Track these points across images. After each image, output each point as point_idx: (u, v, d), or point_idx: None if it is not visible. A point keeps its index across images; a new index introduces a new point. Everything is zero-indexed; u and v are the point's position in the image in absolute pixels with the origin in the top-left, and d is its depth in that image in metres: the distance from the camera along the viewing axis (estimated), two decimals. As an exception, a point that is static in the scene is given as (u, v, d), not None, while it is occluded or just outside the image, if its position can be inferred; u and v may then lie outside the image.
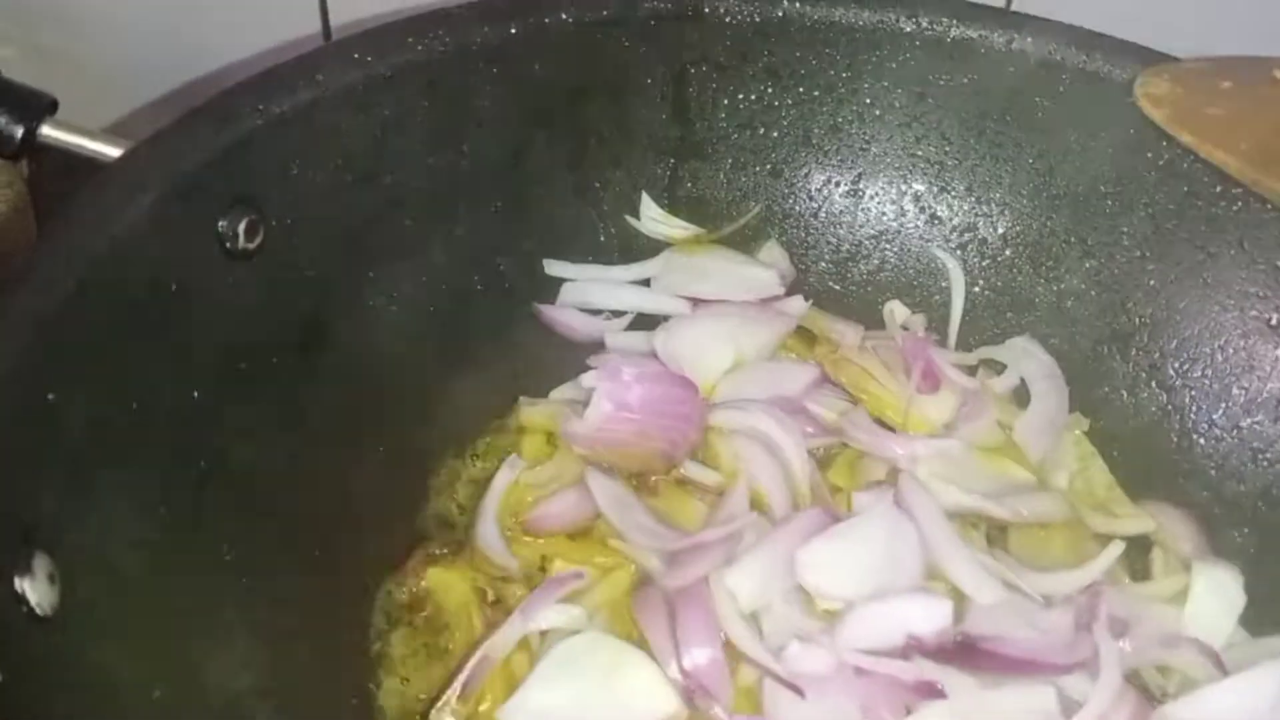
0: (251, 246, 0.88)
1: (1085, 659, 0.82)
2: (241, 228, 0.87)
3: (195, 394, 0.84)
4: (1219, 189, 0.99)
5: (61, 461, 0.72)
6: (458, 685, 0.84)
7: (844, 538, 0.87)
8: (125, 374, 0.79)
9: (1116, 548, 0.90)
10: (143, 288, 0.81)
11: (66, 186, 0.82)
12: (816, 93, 1.11)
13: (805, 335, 1.11)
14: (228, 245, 0.87)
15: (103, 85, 1.03)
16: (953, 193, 1.13)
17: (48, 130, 0.85)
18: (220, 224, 0.86)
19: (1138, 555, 0.96)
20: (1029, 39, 1.04)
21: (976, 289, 1.12)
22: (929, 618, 0.82)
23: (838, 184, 1.15)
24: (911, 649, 0.82)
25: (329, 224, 0.94)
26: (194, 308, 0.85)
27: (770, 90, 1.11)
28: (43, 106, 0.85)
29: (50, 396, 0.72)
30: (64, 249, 0.76)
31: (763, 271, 1.12)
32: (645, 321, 1.09)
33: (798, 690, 0.80)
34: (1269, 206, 0.97)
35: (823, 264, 1.17)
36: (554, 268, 1.10)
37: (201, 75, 1.05)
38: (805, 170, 1.16)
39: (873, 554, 0.86)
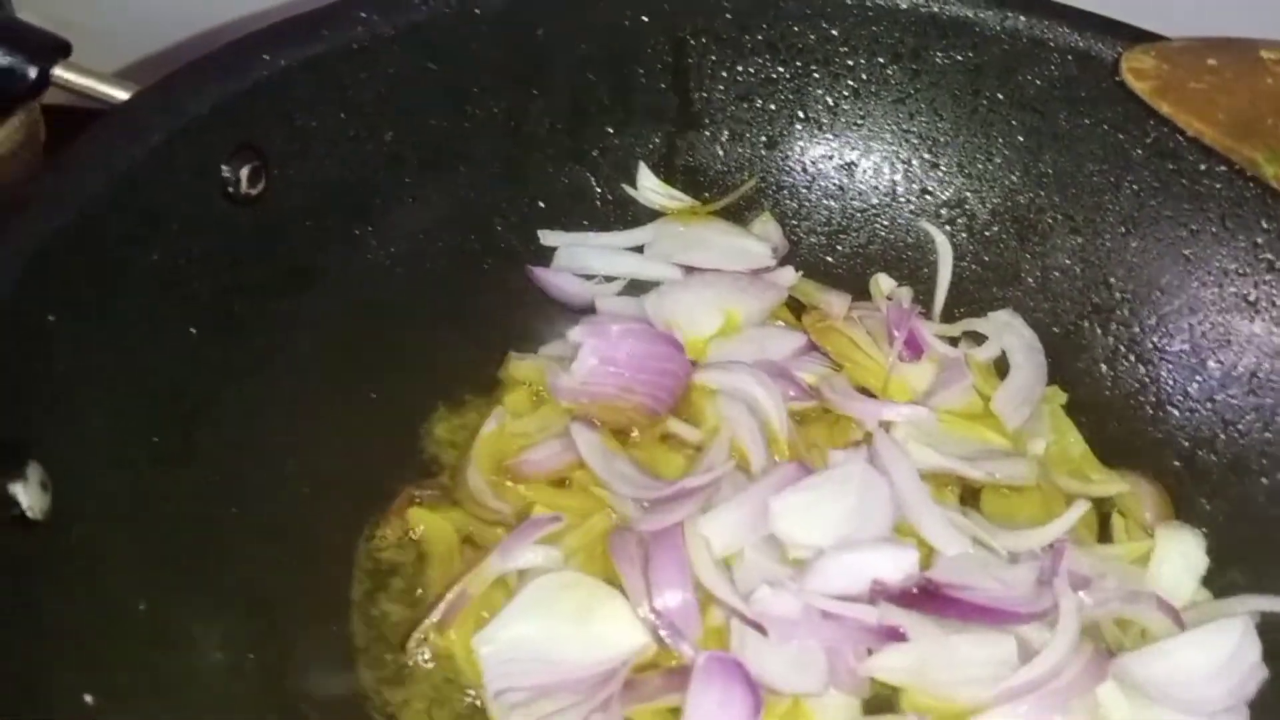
0: (254, 193, 0.92)
1: (1045, 610, 0.84)
2: (244, 174, 0.91)
3: (192, 330, 0.88)
4: (1203, 167, 1.01)
5: (56, 381, 0.75)
6: (434, 617, 0.87)
7: (817, 489, 0.89)
8: (121, 305, 0.82)
9: (1081, 506, 0.91)
10: (143, 224, 0.84)
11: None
12: (813, 67, 1.14)
13: (794, 304, 1.13)
14: (230, 190, 0.90)
15: (115, 32, 1.07)
16: (943, 168, 1.15)
17: (60, 72, 0.89)
18: (224, 169, 0.90)
19: (1102, 523, 0.98)
20: (1021, 17, 1.06)
21: (963, 263, 1.14)
22: (895, 564, 0.84)
23: (831, 158, 1.18)
24: (877, 594, 0.84)
25: (330, 175, 0.98)
26: (193, 248, 0.88)
27: (768, 63, 1.14)
28: (56, 48, 0.88)
29: (50, 318, 0.76)
30: (68, 181, 0.79)
31: (755, 244, 1.15)
32: (637, 289, 1.12)
33: (761, 630, 0.82)
34: (1251, 185, 0.99)
35: (814, 236, 1.19)
36: (549, 238, 1.13)
37: (212, 27, 1.08)
38: (800, 144, 1.18)
39: (844, 506, 0.88)
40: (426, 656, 0.87)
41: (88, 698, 0.71)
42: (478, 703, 0.85)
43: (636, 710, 0.82)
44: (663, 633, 0.85)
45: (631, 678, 0.83)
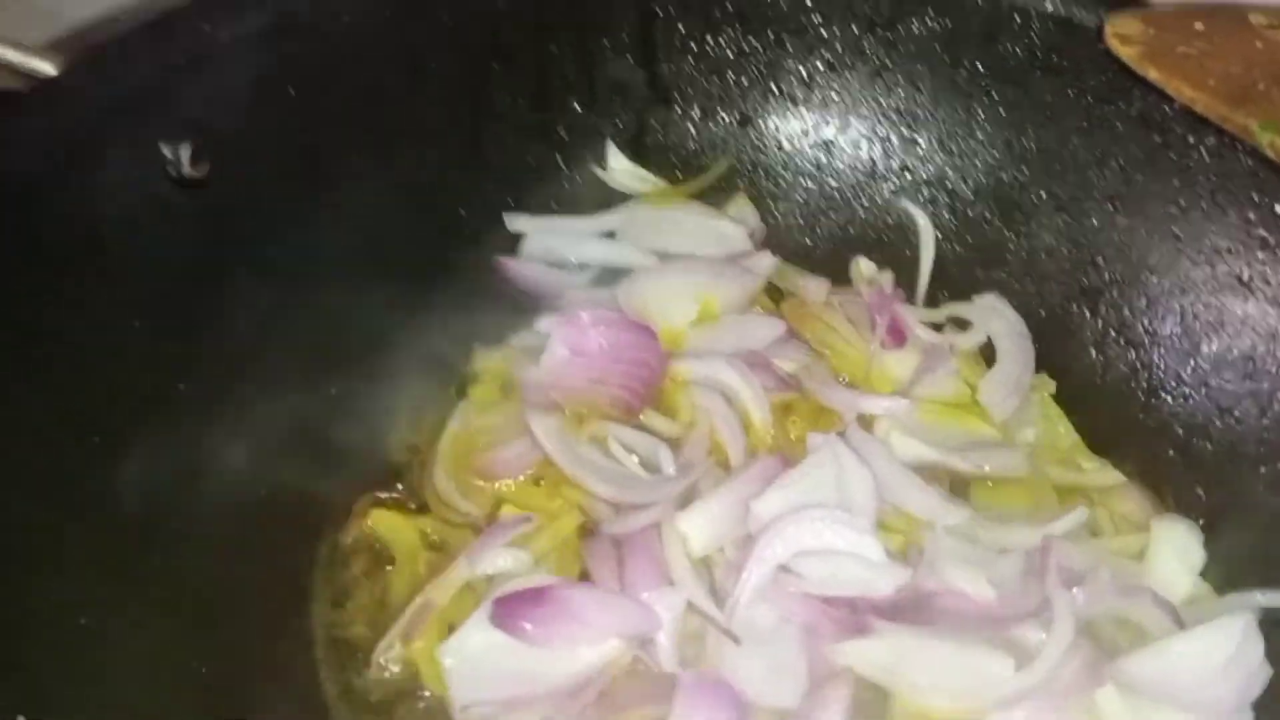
0: (197, 174, 0.86)
1: (1035, 608, 0.80)
2: (185, 153, 0.84)
3: (135, 323, 0.82)
4: (1191, 140, 0.97)
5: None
6: (399, 628, 0.82)
7: (797, 484, 0.84)
8: (58, 295, 0.77)
9: (1080, 514, 0.88)
10: (77, 209, 0.79)
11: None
12: (786, 38, 1.09)
13: (772, 290, 1.08)
14: (171, 171, 0.84)
15: (39, 1, 1.00)
16: (923, 144, 1.10)
17: (-19, 44, 0.82)
18: (164, 148, 0.84)
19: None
20: (1002, -16, 1.02)
21: (946, 244, 1.10)
22: (883, 580, 0.80)
23: (807, 134, 1.13)
24: (864, 609, 0.80)
25: (279, 155, 0.92)
26: (133, 234, 0.82)
27: (740, 35, 1.09)
28: (-24, 20, 0.81)
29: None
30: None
31: (731, 227, 1.10)
32: (610, 277, 1.06)
33: (735, 639, 0.78)
34: (1242, 158, 0.95)
35: (791, 218, 1.14)
36: (516, 221, 1.08)
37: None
38: (775, 120, 1.13)
39: (827, 498, 0.84)
40: (392, 669, 0.82)
41: (21, 720, 0.65)
42: (445, 717, 0.79)
43: (613, 723, 0.77)
44: (637, 639, 0.80)
45: (607, 688, 0.79)
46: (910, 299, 1.08)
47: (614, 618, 0.80)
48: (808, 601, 0.81)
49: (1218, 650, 0.79)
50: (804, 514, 0.82)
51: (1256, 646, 0.80)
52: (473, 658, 0.78)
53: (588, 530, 0.88)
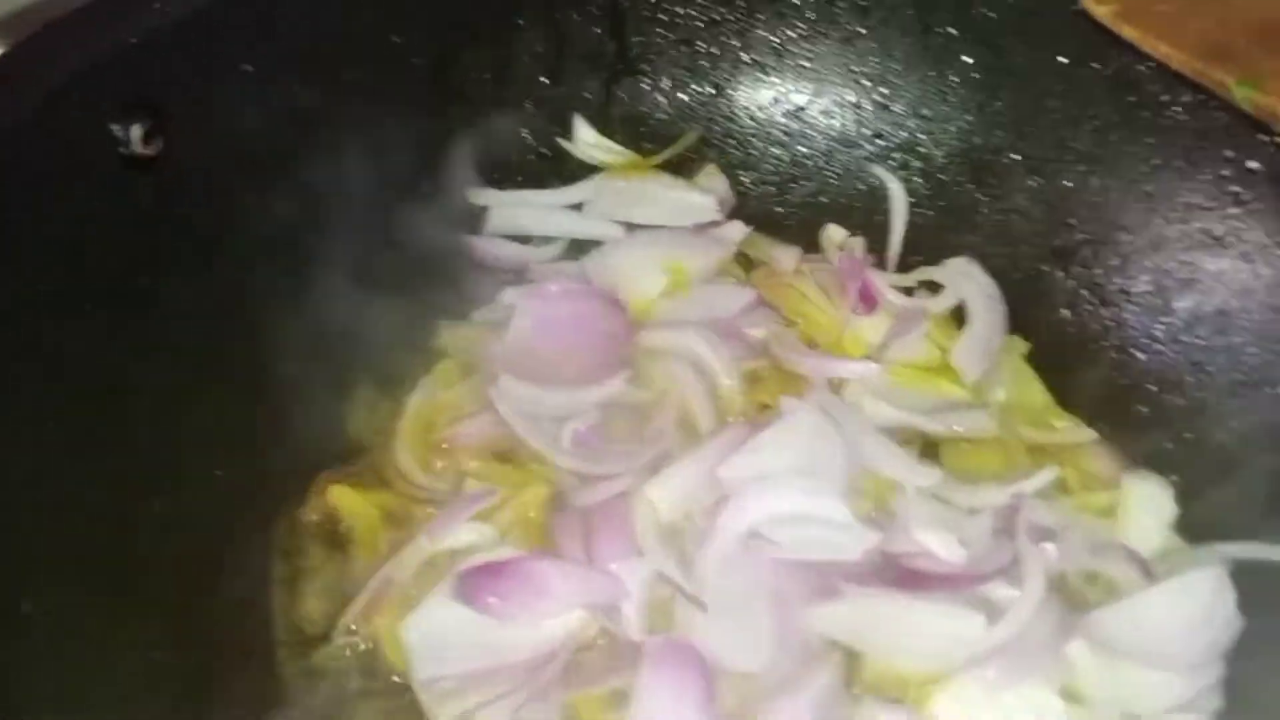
0: (150, 153, 0.85)
1: (1005, 565, 0.79)
2: (136, 133, 0.83)
3: (86, 306, 0.81)
4: (1166, 99, 0.96)
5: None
6: (359, 605, 0.81)
7: (766, 448, 0.83)
8: (17, 281, 0.76)
9: (1051, 472, 0.87)
10: (30, 192, 0.78)
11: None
12: (757, 6, 1.08)
13: (743, 258, 1.08)
14: (122, 151, 0.83)
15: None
16: (896, 110, 1.09)
17: (-75, 25, 0.81)
18: (114, 128, 0.83)
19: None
20: (971, -55, 1.01)
21: (918, 209, 1.09)
22: (853, 543, 0.79)
23: (778, 103, 1.12)
24: (833, 573, 0.79)
25: (236, 135, 0.91)
26: (88, 216, 0.81)
27: (710, 3, 1.08)
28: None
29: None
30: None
31: (701, 197, 1.09)
32: (577, 251, 1.05)
33: (701, 606, 0.77)
34: (1216, 115, 0.94)
35: (762, 187, 1.13)
36: (480, 197, 1.06)
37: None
38: (745, 89, 1.12)
39: (796, 462, 0.83)
40: (352, 646, 0.81)
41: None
42: (408, 693, 0.79)
43: (578, 696, 0.77)
44: (605, 611, 0.80)
45: (573, 660, 0.78)
46: (882, 264, 1.07)
47: (578, 588, 0.79)
48: (776, 566, 0.80)
49: (1188, 603, 0.78)
50: (772, 478, 0.81)
51: (1228, 598, 0.79)
52: (436, 632, 0.78)
53: (555, 504, 0.87)
